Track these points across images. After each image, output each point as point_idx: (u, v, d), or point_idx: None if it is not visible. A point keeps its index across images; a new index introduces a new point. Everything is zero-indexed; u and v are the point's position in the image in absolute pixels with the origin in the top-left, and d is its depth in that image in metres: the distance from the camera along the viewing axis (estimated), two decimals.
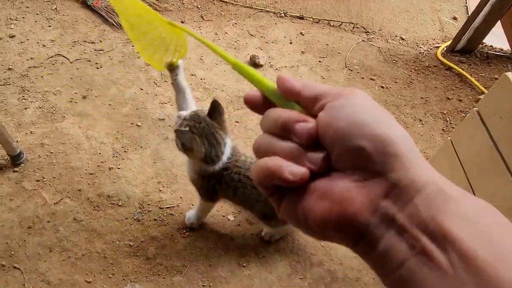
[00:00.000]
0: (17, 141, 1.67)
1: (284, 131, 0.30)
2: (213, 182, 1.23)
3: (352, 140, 0.27)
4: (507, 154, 1.11)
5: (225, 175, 1.21)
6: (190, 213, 1.46)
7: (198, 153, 1.13)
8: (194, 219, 1.44)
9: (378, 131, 0.27)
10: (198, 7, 2.46)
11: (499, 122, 1.14)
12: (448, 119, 1.92)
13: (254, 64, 2.09)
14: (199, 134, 1.11)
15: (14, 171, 1.60)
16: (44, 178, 1.59)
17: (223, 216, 1.53)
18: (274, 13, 2.47)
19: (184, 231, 1.48)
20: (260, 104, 0.35)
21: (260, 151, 0.31)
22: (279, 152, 0.30)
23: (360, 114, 0.28)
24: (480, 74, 2.13)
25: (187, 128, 1.10)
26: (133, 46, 2.16)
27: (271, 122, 0.31)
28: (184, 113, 1.16)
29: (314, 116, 0.30)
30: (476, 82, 2.04)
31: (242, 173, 1.22)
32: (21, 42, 2.12)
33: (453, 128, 1.87)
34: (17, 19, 2.25)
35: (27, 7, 2.34)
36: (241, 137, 1.78)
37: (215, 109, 1.15)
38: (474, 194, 1.22)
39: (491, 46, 2.28)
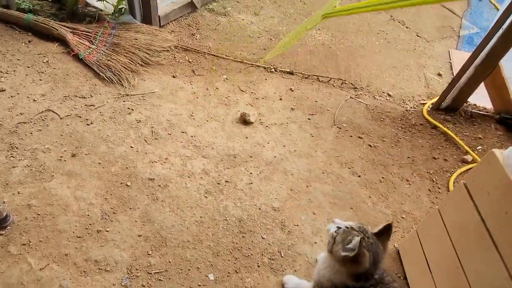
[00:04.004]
0: (4, 202, 1.78)
1: None
2: None
3: None
4: (494, 232, 1.18)
5: None
6: (292, 280, 1.60)
7: (359, 267, 1.15)
8: None
9: None
10: (189, 61, 2.68)
11: (487, 197, 1.23)
12: (434, 179, 2.11)
13: (245, 121, 2.28)
14: (368, 249, 1.13)
15: (0, 234, 1.69)
16: (30, 241, 1.68)
17: (212, 280, 1.63)
18: (264, 68, 2.70)
19: None
20: None
21: None
22: None
23: None
24: (465, 133, 2.36)
25: (358, 238, 1.11)
26: (124, 101, 2.34)
27: None
28: (344, 222, 1.23)
29: None
30: (461, 142, 2.26)
31: None
32: (11, 96, 2.28)
33: (439, 188, 2.05)
34: (8, 72, 2.43)
35: (18, 59, 2.52)
36: (231, 197, 1.93)
37: (386, 232, 1.21)
38: (462, 268, 1.31)
39: (474, 104, 2.53)
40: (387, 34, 3.23)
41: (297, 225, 1.85)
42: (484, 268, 1.22)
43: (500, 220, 1.18)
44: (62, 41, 2.66)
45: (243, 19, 3.14)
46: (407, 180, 2.09)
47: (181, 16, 3.04)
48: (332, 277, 1.24)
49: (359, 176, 2.09)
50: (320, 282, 1.29)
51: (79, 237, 1.72)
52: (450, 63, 2.98)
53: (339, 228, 1.22)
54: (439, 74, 2.86)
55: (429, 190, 2.06)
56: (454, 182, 2.06)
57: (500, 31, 2.14)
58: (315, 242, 1.80)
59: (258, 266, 1.70)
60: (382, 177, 2.09)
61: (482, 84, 2.41)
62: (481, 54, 2.20)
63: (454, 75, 2.43)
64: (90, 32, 2.67)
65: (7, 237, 1.69)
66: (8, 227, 1.72)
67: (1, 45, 2.60)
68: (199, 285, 1.62)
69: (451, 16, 3.64)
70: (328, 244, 1.23)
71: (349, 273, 1.19)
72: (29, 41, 2.66)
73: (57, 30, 2.65)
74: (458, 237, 1.38)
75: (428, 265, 1.53)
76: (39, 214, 1.78)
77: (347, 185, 2.04)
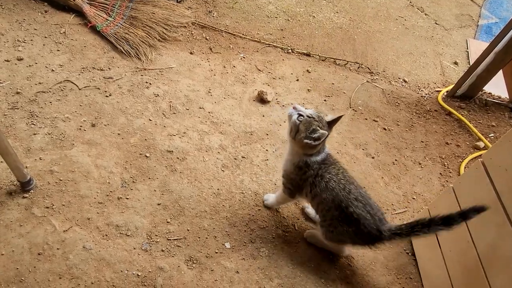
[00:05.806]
0: (26, 167, 1.90)
1: None
2: (304, 173, 1.58)
3: None
4: (509, 206, 1.28)
5: (321, 168, 1.57)
6: (270, 196, 1.92)
7: (315, 149, 1.53)
8: (271, 203, 1.91)
9: None
10: (206, 39, 2.77)
11: (504, 174, 1.32)
12: (446, 163, 2.22)
13: (262, 99, 2.38)
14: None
15: (24, 197, 1.81)
16: (53, 205, 1.81)
17: (228, 248, 1.76)
18: (281, 48, 2.79)
19: (191, 263, 1.70)
20: None
21: None
22: None
23: None
24: (478, 121, 2.47)
25: (324, 132, 1.47)
26: (141, 75, 2.44)
27: None
28: (305, 110, 1.54)
29: None
30: (474, 129, 2.37)
31: (333, 178, 1.56)
32: (29, 65, 2.38)
33: (450, 172, 2.17)
34: (25, 41, 2.52)
35: (35, 29, 2.61)
36: (247, 172, 2.04)
37: (336, 121, 1.56)
38: (473, 242, 1.43)
39: (489, 93, 2.64)
40: (405, 20, 3.31)
41: None
42: (496, 242, 1.34)
43: None
44: (78, 12, 2.75)
45: None
46: (419, 164, 2.21)
47: None
48: (295, 159, 1.60)
49: (372, 158, 2.20)
50: (287, 168, 1.66)
51: (101, 203, 1.84)
52: (467, 52, 3.06)
53: (300, 115, 1.52)
54: (456, 63, 2.95)
55: (440, 173, 2.17)
56: (465, 167, 2.18)
57: None
58: None
59: (273, 238, 1.83)
60: (395, 160, 2.20)
61: (497, 74, 2.51)
62: (502, 40, 2.28)
63: (471, 64, 2.52)
64: (107, 4, 2.76)
65: (31, 200, 1.81)
66: (32, 191, 1.84)
67: (17, 14, 2.69)
68: (216, 252, 1.75)
69: (470, 4, 3.72)
70: (291, 131, 1.55)
71: (305, 154, 1.56)
72: (45, 11, 2.75)
73: (74, 1, 2.73)
74: None
75: (438, 241, 1.66)
76: (61, 180, 1.90)
77: (360, 166, 2.16)
